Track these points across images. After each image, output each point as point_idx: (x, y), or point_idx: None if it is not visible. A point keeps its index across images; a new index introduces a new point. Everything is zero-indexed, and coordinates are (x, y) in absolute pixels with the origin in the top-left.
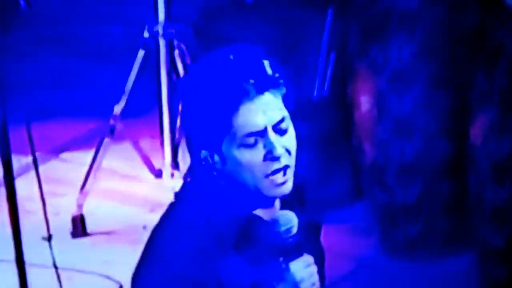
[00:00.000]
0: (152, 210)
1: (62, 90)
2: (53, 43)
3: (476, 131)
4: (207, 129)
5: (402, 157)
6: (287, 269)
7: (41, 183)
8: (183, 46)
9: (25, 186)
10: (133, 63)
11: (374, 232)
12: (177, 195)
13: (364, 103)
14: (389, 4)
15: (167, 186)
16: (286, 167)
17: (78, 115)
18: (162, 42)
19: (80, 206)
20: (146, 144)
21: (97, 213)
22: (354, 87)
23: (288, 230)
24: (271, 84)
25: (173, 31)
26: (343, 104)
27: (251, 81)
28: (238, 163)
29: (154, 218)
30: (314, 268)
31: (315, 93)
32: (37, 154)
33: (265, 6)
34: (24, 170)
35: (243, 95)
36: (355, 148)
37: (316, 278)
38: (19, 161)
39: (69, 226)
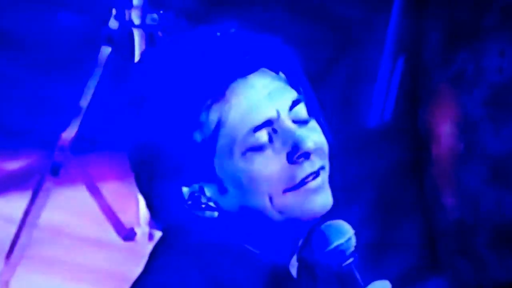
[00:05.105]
0: None
1: None
2: None
3: None
4: (187, 141)
5: (500, 215)
6: None
7: None
8: None
9: None
10: (92, 68)
11: None
12: (155, 249)
13: (446, 134)
14: None
15: (142, 252)
16: (320, 169)
17: (4, 144)
18: (138, 36)
19: (5, 283)
20: (110, 189)
21: None
22: (432, 110)
23: (342, 247)
24: (269, 59)
25: (156, 20)
26: (413, 134)
27: (245, 56)
28: (246, 181)
29: None
30: None
31: (373, 118)
32: None
33: None
34: None
35: (234, 72)
36: (430, 200)
37: None
38: None
39: None
